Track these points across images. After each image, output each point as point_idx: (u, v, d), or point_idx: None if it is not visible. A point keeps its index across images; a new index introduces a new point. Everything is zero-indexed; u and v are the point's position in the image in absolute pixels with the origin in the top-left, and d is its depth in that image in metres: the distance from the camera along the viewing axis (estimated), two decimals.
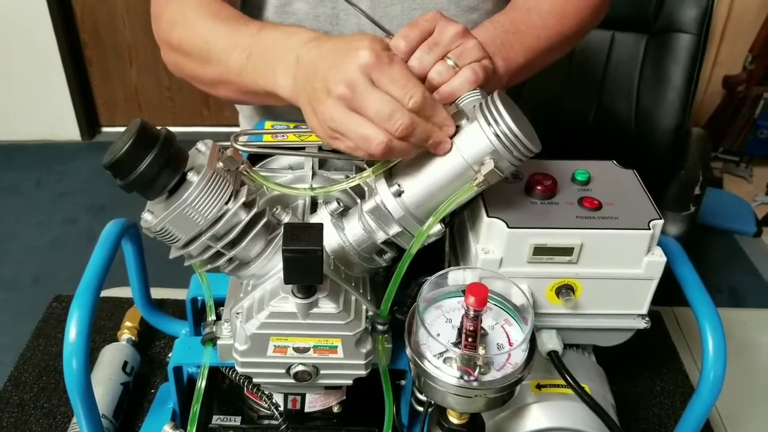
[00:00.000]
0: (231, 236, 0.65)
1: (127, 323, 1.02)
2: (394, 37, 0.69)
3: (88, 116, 3.22)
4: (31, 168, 3.02)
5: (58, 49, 2.99)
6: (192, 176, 0.62)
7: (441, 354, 0.61)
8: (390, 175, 0.68)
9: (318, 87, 0.64)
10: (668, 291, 0.77)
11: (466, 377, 0.60)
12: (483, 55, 0.70)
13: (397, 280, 0.68)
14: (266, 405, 0.77)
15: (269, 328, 0.66)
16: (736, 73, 2.82)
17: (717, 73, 2.85)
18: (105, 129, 3.29)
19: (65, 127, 3.18)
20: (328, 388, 0.78)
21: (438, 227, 0.67)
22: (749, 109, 2.78)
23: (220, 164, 0.65)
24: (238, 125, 1.19)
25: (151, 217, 0.63)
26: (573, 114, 1.74)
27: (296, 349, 0.68)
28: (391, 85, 0.61)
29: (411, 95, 0.61)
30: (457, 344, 0.61)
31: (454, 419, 0.66)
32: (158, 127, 0.63)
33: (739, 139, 2.85)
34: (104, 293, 1.12)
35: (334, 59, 0.63)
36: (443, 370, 0.60)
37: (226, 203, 0.64)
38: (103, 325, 1.06)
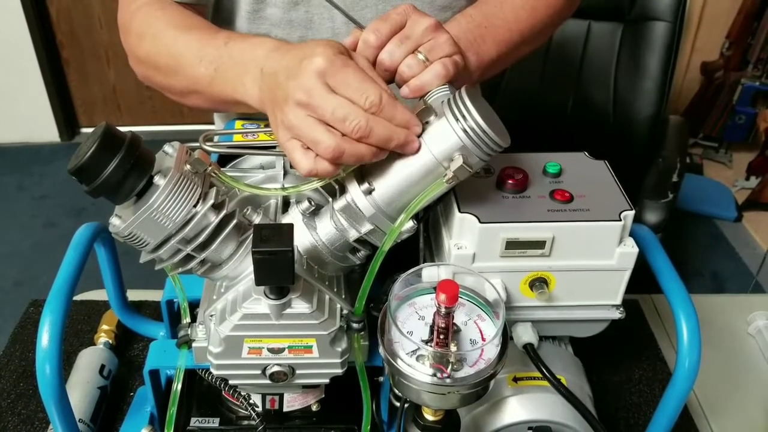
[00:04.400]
0: (201, 239, 0.65)
1: (104, 326, 1.01)
2: (364, 30, 0.68)
3: (66, 117, 3.20)
4: (11, 171, 3.00)
5: (34, 51, 2.96)
6: (158, 180, 0.61)
7: (413, 352, 0.61)
8: (361, 173, 0.67)
9: (279, 96, 0.64)
10: (646, 278, 0.77)
11: (439, 374, 0.59)
12: (454, 50, 0.70)
13: (370, 278, 0.67)
14: (243, 406, 0.77)
15: (243, 330, 0.66)
16: (713, 59, 2.83)
17: (695, 60, 2.87)
18: (84, 130, 3.27)
19: (44, 128, 3.16)
20: (306, 387, 0.78)
21: (410, 224, 0.66)
22: (727, 94, 2.80)
23: (187, 167, 0.64)
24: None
25: (119, 221, 0.62)
26: (551, 105, 1.74)
27: (271, 350, 0.67)
28: (346, 88, 0.61)
29: (366, 95, 0.61)
30: (429, 341, 0.61)
31: (429, 416, 0.66)
32: (124, 130, 0.63)
33: (718, 125, 2.87)
34: (81, 296, 1.11)
35: (292, 69, 0.63)
36: (416, 368, 0.60)
37: (195, 206, 0.63)
38: (80, 329, 1.06)
